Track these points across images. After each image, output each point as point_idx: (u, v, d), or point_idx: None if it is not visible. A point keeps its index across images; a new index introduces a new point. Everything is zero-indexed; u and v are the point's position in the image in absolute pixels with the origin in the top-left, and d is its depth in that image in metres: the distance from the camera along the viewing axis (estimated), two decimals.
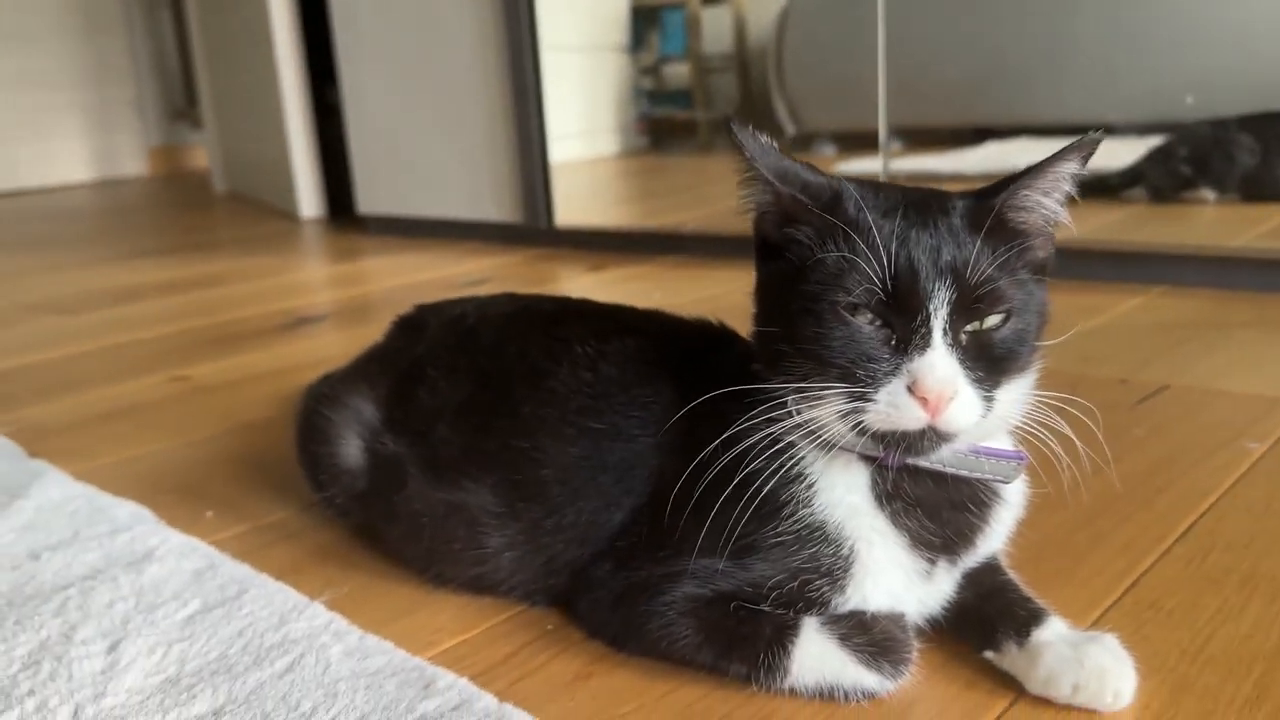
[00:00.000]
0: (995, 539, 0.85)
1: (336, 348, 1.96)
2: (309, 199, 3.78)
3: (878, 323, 0.73)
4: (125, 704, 0.76)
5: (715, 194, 3.25)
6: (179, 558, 0.99)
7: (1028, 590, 0.85)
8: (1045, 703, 0.77)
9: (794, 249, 0.78)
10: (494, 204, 2.99)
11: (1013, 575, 0.87)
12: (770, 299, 0.80)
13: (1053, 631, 0.79)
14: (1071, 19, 2.53)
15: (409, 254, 2.99)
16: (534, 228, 2.88)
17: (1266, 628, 0.85)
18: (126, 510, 1.12)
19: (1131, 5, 2.50)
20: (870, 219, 0.73)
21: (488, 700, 0.75)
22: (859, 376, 0.72)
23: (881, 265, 0.72)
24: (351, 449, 1.06)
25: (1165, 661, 0.81)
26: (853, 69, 2.46)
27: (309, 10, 3.65)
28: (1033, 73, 2.64)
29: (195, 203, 4.77)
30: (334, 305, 2.45)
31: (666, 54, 3.58)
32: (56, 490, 1.17)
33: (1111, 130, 2.59)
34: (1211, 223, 2.48)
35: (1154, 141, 2.53)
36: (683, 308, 1.00)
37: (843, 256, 0.73)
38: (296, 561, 1.07)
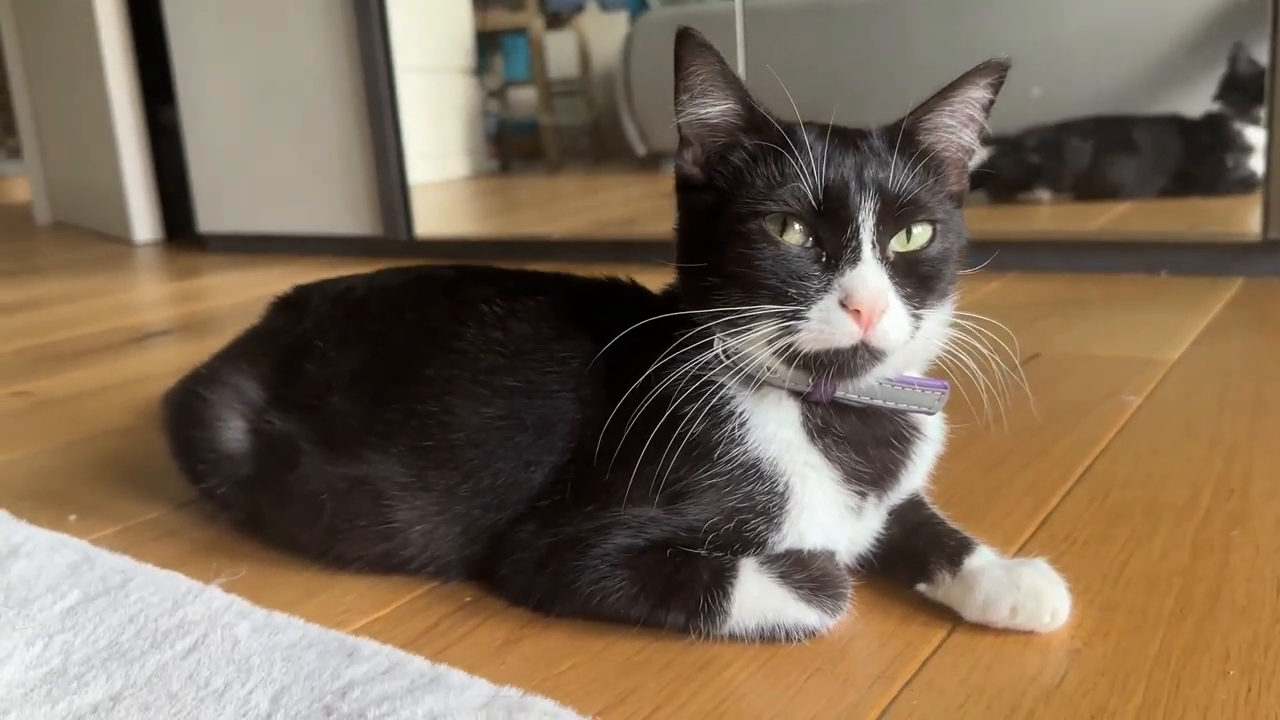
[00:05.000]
0: (918, 475, 0.85)
1: (189, 358, 1.84)
2: (143, 222, 3.59)
3: (808, 241, 0.72)
4: (6, 698, 0.68)
5: (569, 210, 3.24)
6: (49, 553, 0.90)
7: (953, 523, 0.85)
8: (982, 629, 0.77)
9: (723, 172, 0.77)
10: (350, 217, 2.90)
11: (936, 509, 0.87)
12: (695, 231, 0.79)
13: (984, 559, 0.80)
14: (911, 42, 2.63)
15: (257, 269, 2.86)
16: (393, 239, 2.80)
17: (1177, 549, 0.88)
18: None
19: (960, 25, 2.62)
20: (809, 141, 0.73)
21: (419, 662, 0.70)
22: (791, 295, 0.71)
23: (814, 179, 0.72)
24: (233, 432, 0.98)
25: (1089, 586, 0.83)
26: None
27: (140, 29, 3.49)
28: (874, 92, 2.73)
29: (17, 233, 4.47)
30: (180, 320, 2.32)
31: (512, 78, 3.57)
32: None
33: None
34: (1050, 218, 2.61)
35: (985, 152, 2.65)
36: None
37: (777, 171, 0.72)
38: (179, 556, 0.98)
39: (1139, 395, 1.27)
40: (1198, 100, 2.37)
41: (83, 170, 3.99)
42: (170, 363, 1.83)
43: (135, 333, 2.14)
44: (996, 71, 0.76)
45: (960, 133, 0.77)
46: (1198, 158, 2.38)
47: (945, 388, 0.80)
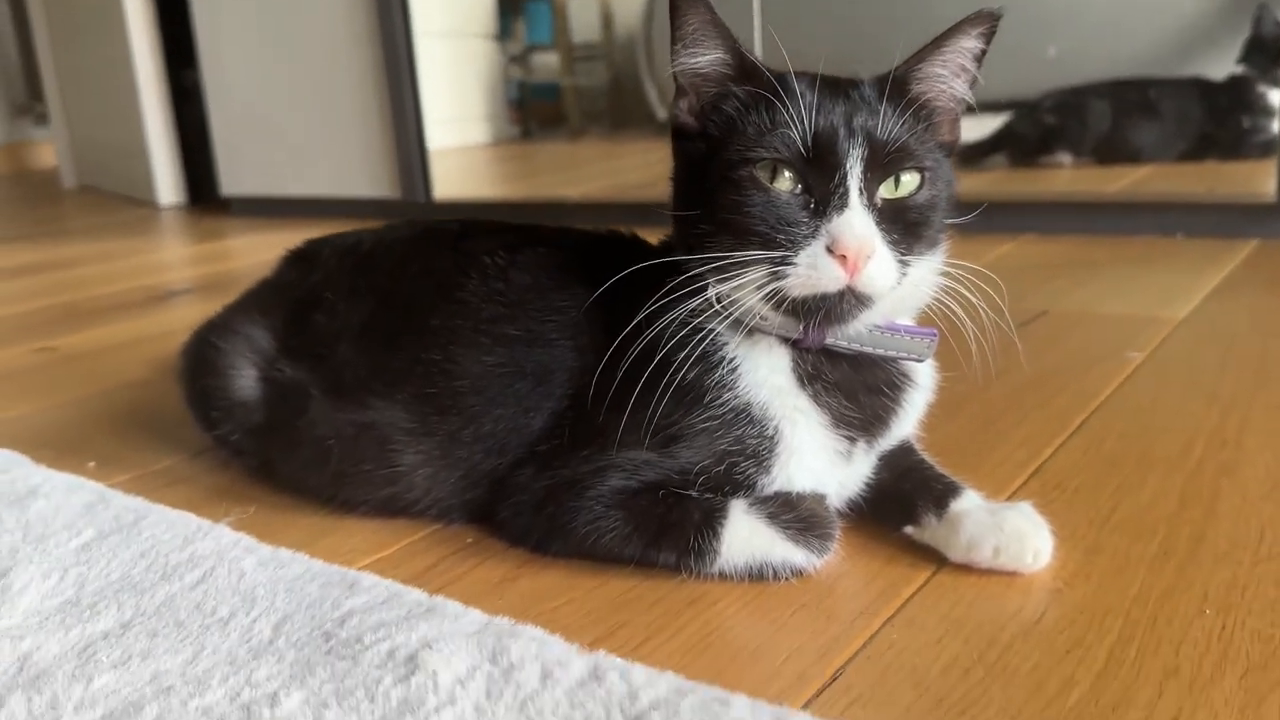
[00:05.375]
0: (908, 421, 0.86)
1: (209, 314, 1.89)
2: (167, 185, 3.63)
3: (797, 187, 0.73)
4: (23, 625, 0.71)
5: (590, 174, 3.24)
6: (66, 493, 0.93)
7: (941, 468, 0.87)
8: (966, 570, 0.79)
9: (716, 120, 0.78)
10: (368, 180, 2.92)
11: (926, 455, 0.89)
12: (689, 179, 0.80)
13: (970, 501, 0.81)
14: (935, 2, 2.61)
15: (278, 231, 2.89)
16: (412, 202, 2.83)
17: (1165, 497, 0.89)
18: (2, 456, 1.04)
19: None
20: (800, 89, 0.74)
21: (417, 594, 0.73)
22: (779, 241, 0.73)
23: (803, 126, 0.73)
24: (245, 380, 1.01)
25: (1075, 530, 0.84)
26: None
27: None
28: (894, 49, 2.71)
29: (44, 197, 4.52)
30: (202, 280, 2.35)
31: (534, 43, 3.57)
32: None
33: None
34: (1069, 182, 2.59)
35: (1006, 117, 2.64)
36: None
37: (768, 119, 0.73)
38: (192, 500, 1.01)
39: (1142, 352, 1.28)
40: (1221, 63, 2.35)
41: (107, 134, 4.03)
42: (190, 319, 1.84)
43: (157, 291, 2.18)
44: (988, 21, 0.76)
45: (952, 82, 0.78)
46: (1219, 120, 2.36)
47: (934, 335, 0.82)
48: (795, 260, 0.72)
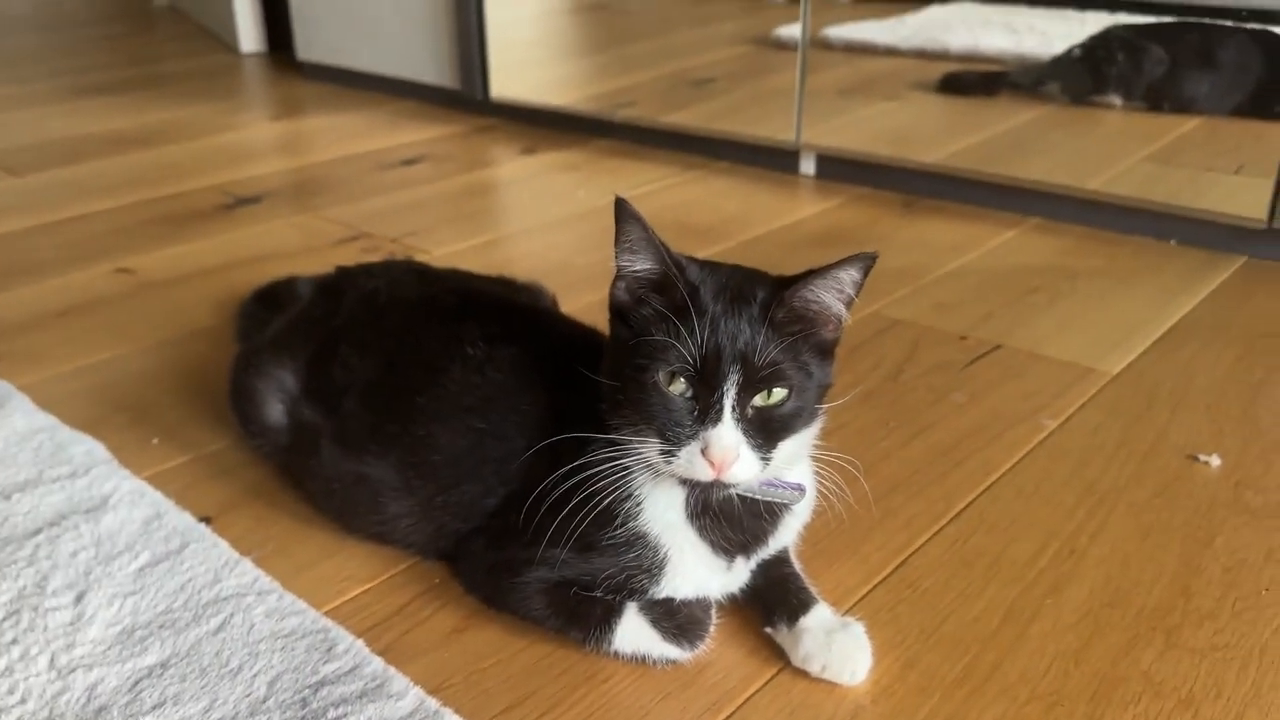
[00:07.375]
0: (785, 538, 1.08)
1: (276, 238, 2.11)
2: (249, 33, 3.78)
3: (688, 392, 0.92)
4: (91, 653, 0.98)
5: (679, 46, 3.23)
6: (130, 506, 1.18)
7: (804, 581, 1.08)
8: (804, 673, 1.01)
9: (635, 320, 0.96)
10: (431, 67, 3.05)
11: (796, 567, 1.10)
12: (614, 358, 0.99)
13: (814, 619, 1.03)
14: None
15: (346, 113, 3.07)
16: (470, 97, 2.96)
17: (992, 612, 1.09)
18: (83, 448, 1.30)
19: None
20: (704, 305, 0.91)
21: (376, 664, 0.97)
22: (668, 436, 0.92)
23: (699, 345, 0.91)
24: (275, 412, 1.25)
25: (904, 640, 1.06)
26: None
27: None
28: None
29: (134, 19, 4.69)
30: (273, 181, 2.55)
31: None
32: (21, 421, 1.35)
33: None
34: (1115, 127, 2.64)
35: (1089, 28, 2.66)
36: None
37: (674, 332, 0.91)
38: (232, 498, 1.27)
39: (1057, 419, 1.45)
40: None
41: None
42: (258, 242, 2.10)
43: (230, 195, 2.40)
44: (869, 261, 0.92)
45: (833, 304, 0.94)
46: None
47: (803, 488, 1.02)
48: (678, 454, 0.92)
